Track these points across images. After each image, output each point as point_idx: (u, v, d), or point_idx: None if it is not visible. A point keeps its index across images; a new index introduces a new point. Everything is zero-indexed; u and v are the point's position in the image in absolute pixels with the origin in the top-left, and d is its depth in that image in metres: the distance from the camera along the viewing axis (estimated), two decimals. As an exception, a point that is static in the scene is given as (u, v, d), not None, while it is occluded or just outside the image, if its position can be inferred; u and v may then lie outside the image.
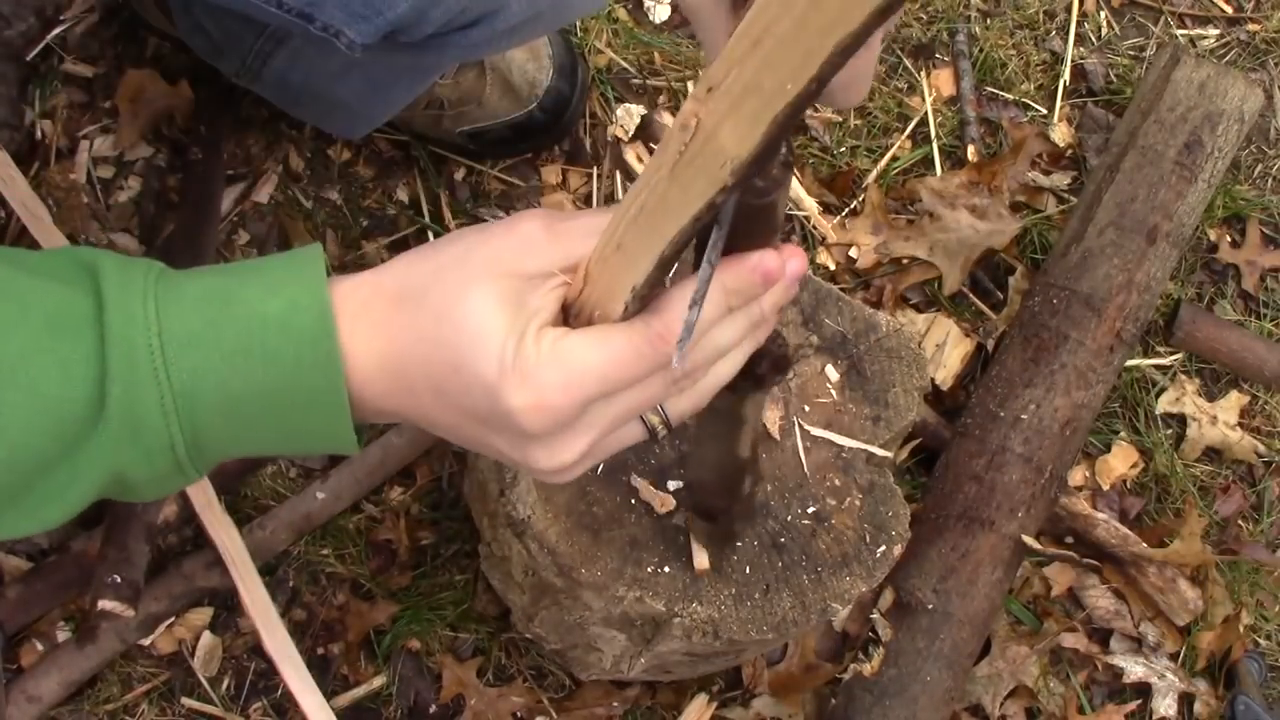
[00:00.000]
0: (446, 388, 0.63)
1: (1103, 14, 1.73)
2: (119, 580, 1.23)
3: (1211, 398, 1.58)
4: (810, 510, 1.08)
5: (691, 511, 1.02)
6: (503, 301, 0.61)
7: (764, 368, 0.72)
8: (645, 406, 0.65)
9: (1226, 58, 1.72)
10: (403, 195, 1.53)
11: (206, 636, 1.36)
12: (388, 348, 0.63)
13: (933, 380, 1.50)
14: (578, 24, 1.60)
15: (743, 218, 0.59)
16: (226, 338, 0.61)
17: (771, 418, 1.09)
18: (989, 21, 1.70)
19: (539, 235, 0.63)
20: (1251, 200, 1.66)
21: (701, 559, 1.03)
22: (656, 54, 1.61)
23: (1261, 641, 1.51)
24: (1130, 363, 1.56)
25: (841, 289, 1.28)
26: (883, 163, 1.61)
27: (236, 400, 0.62)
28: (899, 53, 1.67)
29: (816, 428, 1.10)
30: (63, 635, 1.33)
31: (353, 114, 1.30)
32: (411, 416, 0.66)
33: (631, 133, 1.57)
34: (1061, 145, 1.65)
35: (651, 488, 1.05)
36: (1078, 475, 1.53)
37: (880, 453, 1.10)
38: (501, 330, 0.61)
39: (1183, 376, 1.58)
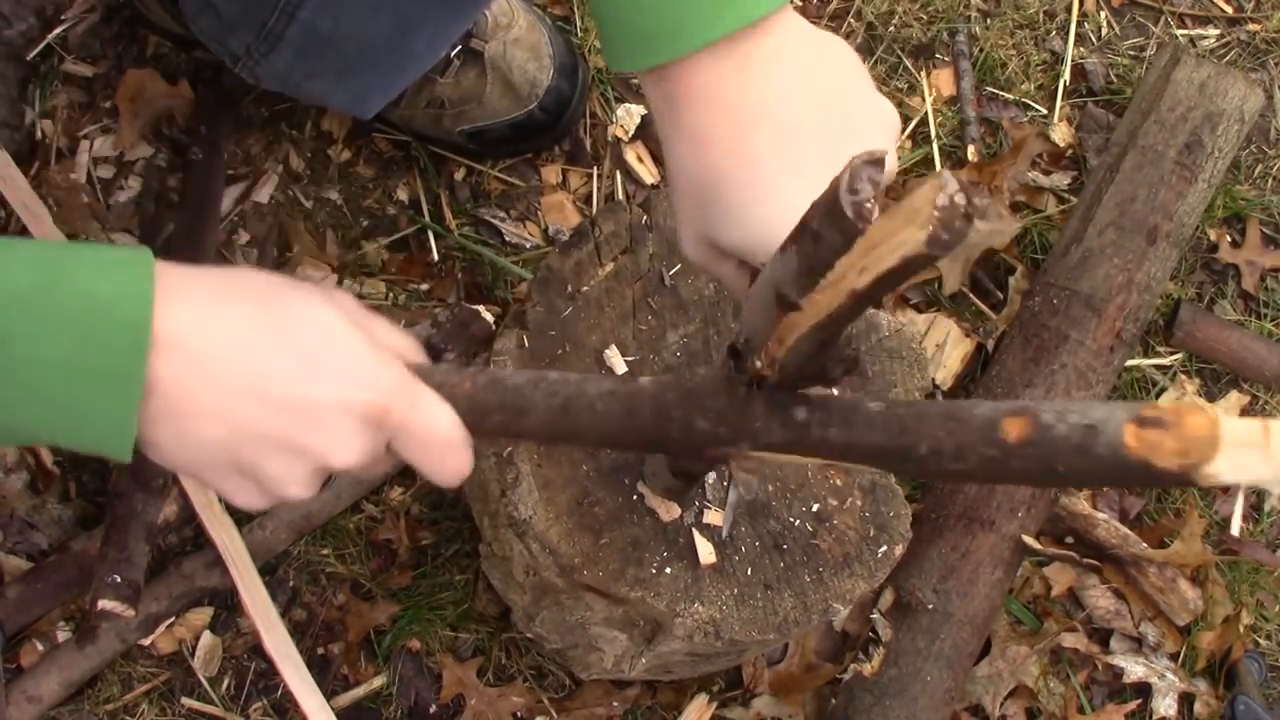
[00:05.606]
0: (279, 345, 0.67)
1: (1103, 14, 1.73)
2: (119, 580, 1.22)
3: (1211, 398, 1.58)
4: (812, 510, 1.08)
5: (667, 469, 1.02)
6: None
7: (837, 372, 0.73)
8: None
9: (1226, 58, 1.72)
10: (403, 195, 1.53)
11: (206, 636, 1.36)
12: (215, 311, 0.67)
13: (933, 380, 1.50)
14: (578, 24, 1.60)
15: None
16: (52, 302, 0.63)
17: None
18: (989, 21, 1.70)
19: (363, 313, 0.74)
20: (1251, 200, 1.66)
21: (707, 553, 1.03)
22: (657, 54, 1.61)
23: (1261, 641, 1.51)
24: (1130, 363, 1.56)
25: (842, 289, 1.28)
26: (883, 163, 1.61)
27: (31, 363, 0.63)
28: (899, 53, 1.67)
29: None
30: (63, 635, 1.33)
31: (377, 67, 1.26)
32: (205, 402, 0.66)
33: (632, 133, 1.57)
34: (1061, 145, 1.65)
35: (656, 496, 1.05)
36: (1078, 475, 1.53)
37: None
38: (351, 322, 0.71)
39: (1183, 376, 1.58)
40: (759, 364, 0.75)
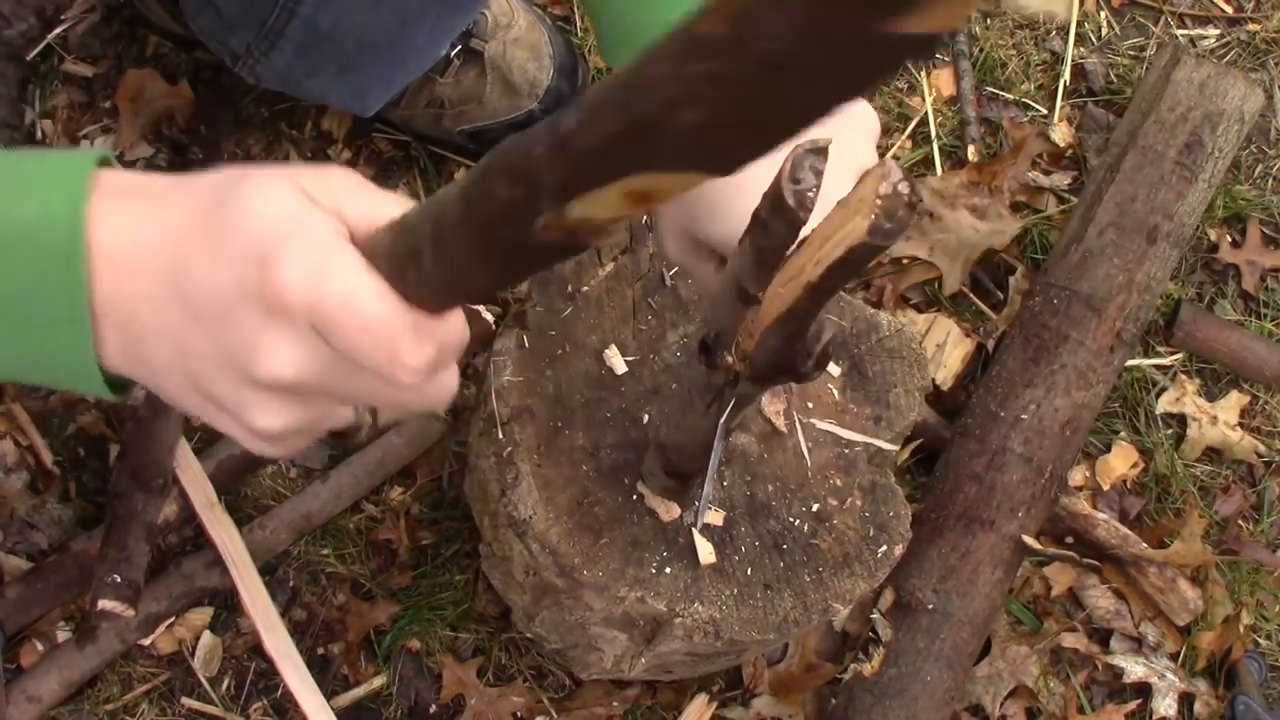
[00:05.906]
0: (203, 257, 0.55)
1: (1103, 14, 1.73)
2: (119, 580, 1.22)
3: (1212, 398, 1.58)
4: (812, 510, 1.08)
5: (661, 469, 1.02)
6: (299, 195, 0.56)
7: (807, 367, 0.73)
8: (375, 395, 0.58)
9: (1226, 58, 1.72)
10: (403, 195, 1.53)
11: (206, 636, 1.36)
12: (151, 216, 0.57)
13: (933, 380, 1.50)
14: (578, 24, 1.60)
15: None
16: None
17: (775, 409, 1.09)
18: (989, 21, 1.70)
19: (349, 180, 0.59)
20: (1251, 200, 1.66)
21: (707, 553, 1.03)
22: (657, 54, 1.61)
23: (1261, 641, 1.51)
24: (1130, 363, 1.56)
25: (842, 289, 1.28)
26: (883, 163, 1.61)
27: None
28: (899, 53, 1.67)
29: (823, 422, 1.10)
30: (63, 635, 1.33)
31: (378, 62, 1.26)
32: (151, 323, 0.57)
33: (632, 132, 1.57)
34: (1061, 145, 1.65)
35: (656, 496, 1.04)
36: (1078, 475, 1.53)
37: (888, 446, 1.10)
38: (297, 201, 0.55)
39: (1183, 376, 1.58)
40: (730, 359, 0.76)
